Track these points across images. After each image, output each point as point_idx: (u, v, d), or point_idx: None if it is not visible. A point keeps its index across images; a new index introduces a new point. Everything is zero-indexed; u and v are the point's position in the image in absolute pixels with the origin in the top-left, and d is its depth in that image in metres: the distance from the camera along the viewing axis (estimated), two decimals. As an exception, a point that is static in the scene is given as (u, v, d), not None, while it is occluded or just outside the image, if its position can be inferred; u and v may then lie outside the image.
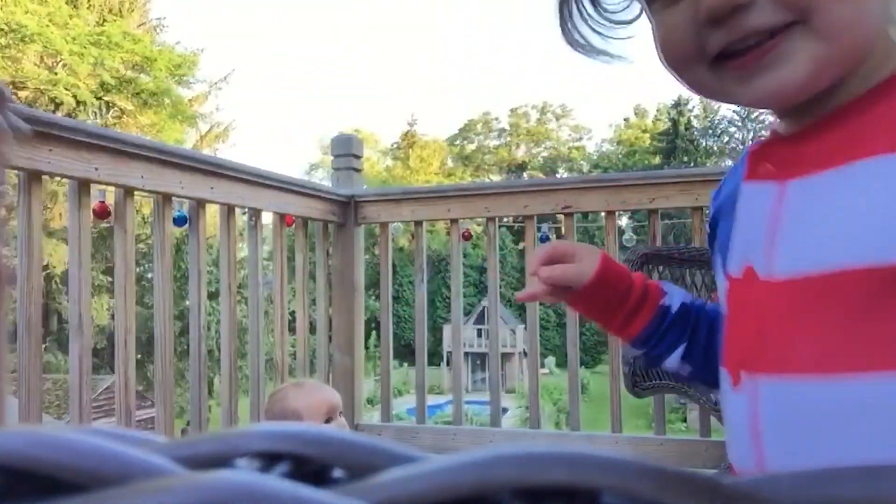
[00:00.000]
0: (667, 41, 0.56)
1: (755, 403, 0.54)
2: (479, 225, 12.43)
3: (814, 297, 0.51)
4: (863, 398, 0.48)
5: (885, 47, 0.54)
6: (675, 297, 0.75)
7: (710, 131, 38.00)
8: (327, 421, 1.64)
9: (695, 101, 38.75)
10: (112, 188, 1.94)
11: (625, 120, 44.21)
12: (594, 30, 0.64)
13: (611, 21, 0.63)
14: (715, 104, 38.44)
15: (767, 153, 0.59)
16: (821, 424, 0.50)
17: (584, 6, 0.63)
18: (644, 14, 0.59)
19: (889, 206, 0.48)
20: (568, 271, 0.72)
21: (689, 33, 0.53)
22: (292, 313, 2.68)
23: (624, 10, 0.62)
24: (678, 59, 0.56)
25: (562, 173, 41.36)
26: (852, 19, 0.50)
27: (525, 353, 3.46)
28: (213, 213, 2.82)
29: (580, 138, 46.02)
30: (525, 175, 42.30)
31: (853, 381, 0.48)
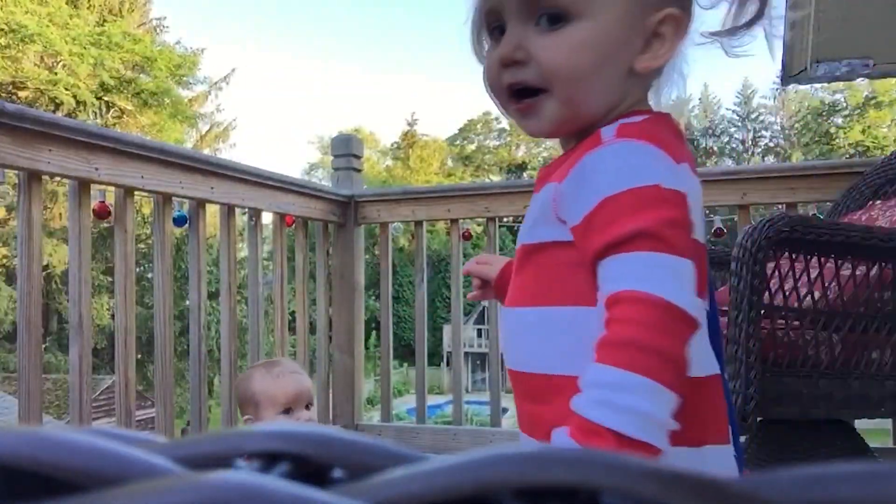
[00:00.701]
0: (486, 72, 0.81)
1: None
2: (479, 225, 12.42)
3: (517, 259, 0.83)
4: (521, 320, 0.81)
5: (627, 107, 0.78)
6: None
7: (710, 131, 37.99)
8: (287, 411, 1.51)
9: (695, 101, 38.77)
10: (112, 188, 1.94)
11: (625, 120, 44.17)
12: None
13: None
14: (715, 104, 38.47)
15: (540, 172, 0.87)
16: (512, 333, 0.83)
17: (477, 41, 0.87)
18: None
19: (532, 212, 0.80)
20: (482, 268, 1.03)
21: (496, 70, 0.78)
22: (292, 313, 2.68)
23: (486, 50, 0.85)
24: (491, 86, 0.81)
25: (562, 173, 41.28)
26: (581, 98, 0.76)
27: (525, 353, 3.46)
28: (213, 213, 2.82)
29: (580, 138, 45.96)
30: (525, 175, 42.30)
31: (517, 310, 0.81)
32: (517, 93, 0.78)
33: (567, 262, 0.75)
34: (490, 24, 0.80)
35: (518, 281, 0.83)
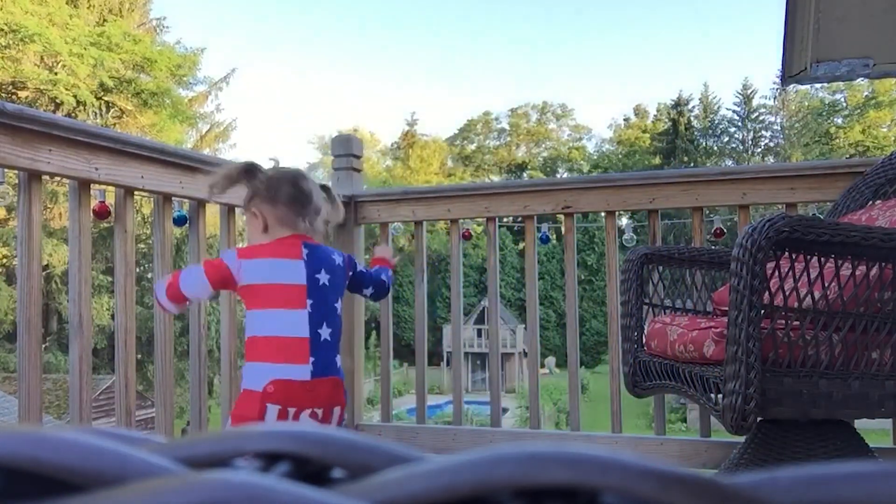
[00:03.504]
0: None
1: None
2: (479, 225, 12.42)
3: None
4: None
5: (267, 240, 1.69)
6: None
7: (710, 131, 37.99)
8: None
9: (695, 101, 38.76)
10: (112, 188, 1.94)
11: (625, 120, 44.20)
12: None
13: None
14: (715, 104, 38.44)
15: None
16: None
17: None
18: None
19: None
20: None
21: None
22: (292, 313, 2.68)
23: None
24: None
25: (562, 173, 41.37)
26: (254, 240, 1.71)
27: (525, 353, 3.46)
28: (213, 213, 2.82)
29: (580, 138, 46.02)
30: (525, 175, 42.33)
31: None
32: None
33: None
34: None
35: None
